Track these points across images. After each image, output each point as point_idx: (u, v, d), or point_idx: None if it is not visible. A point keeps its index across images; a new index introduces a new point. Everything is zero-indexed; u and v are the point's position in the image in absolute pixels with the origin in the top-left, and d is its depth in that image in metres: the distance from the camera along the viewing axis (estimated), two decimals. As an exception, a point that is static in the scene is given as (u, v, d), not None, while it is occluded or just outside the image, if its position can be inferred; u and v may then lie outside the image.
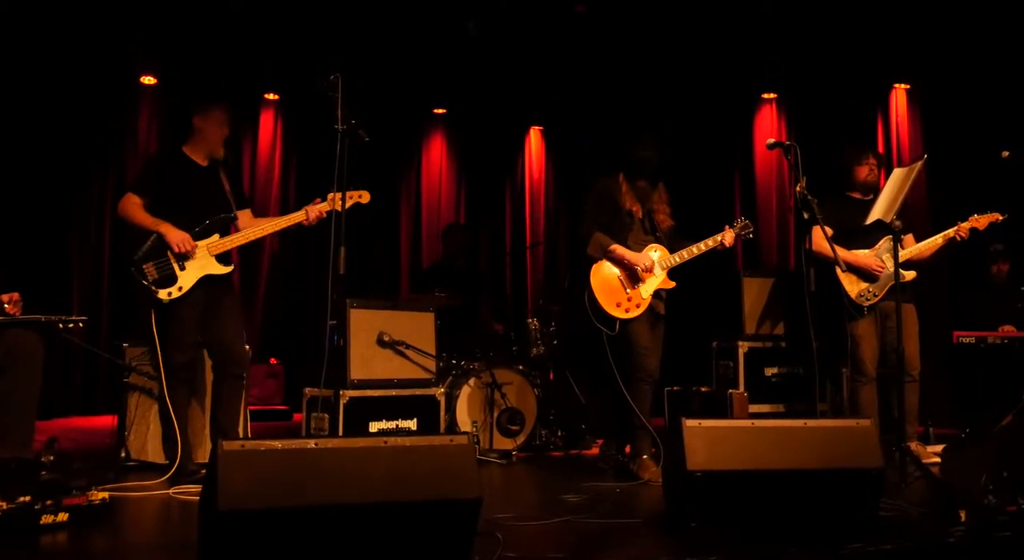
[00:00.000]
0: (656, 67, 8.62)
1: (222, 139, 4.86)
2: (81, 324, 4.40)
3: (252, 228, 4.88)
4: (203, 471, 4.53)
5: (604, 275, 5.05)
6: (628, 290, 5.03)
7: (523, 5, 7.71)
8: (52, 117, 8.09)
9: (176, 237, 4.58)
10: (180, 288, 4.59)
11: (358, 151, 4.24)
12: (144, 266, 4.56)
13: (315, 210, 4.83)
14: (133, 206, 4.69)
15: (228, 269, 4.77)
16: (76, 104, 8.23)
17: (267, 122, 9.39)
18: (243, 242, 4.84)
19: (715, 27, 7.96)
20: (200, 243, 4.66)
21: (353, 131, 4.18)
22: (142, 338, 4.95)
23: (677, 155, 5.68)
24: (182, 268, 4.61)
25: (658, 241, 5.18)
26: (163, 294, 4.56)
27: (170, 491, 4.33)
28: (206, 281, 4.67)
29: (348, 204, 4.53)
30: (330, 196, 4.78)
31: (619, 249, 5.04)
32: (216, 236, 4.73)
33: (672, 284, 5.14)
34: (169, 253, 4.59)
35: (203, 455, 4.94)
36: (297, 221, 4.86)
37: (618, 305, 5.01)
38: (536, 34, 8.23)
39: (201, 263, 4.66)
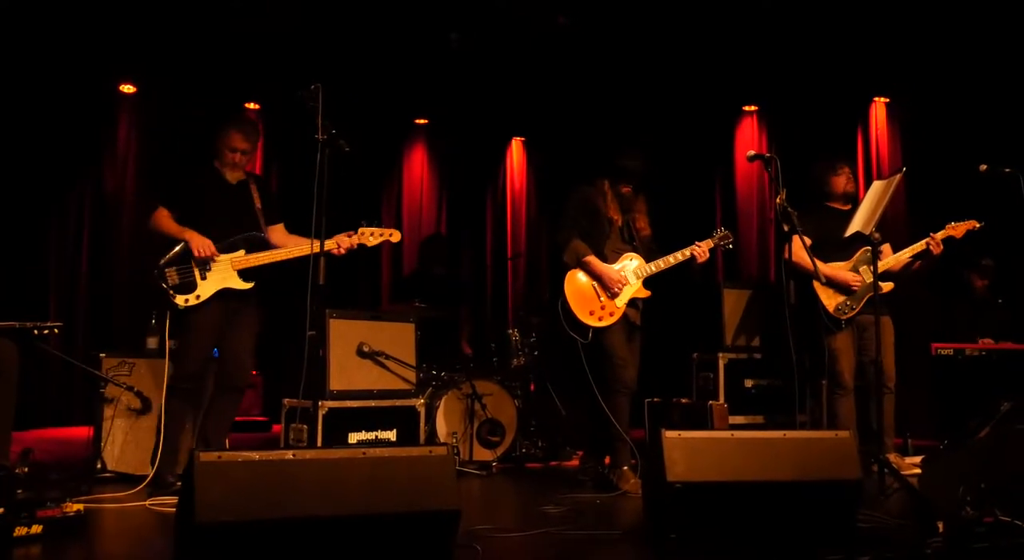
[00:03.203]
0: (638, 78, 8.65)
1: (231, 163, 4.85)
2: (56, 330, 4.36)
3: (279, 250, 4.83)
4: (170, 478, 4.51)
5: (578, 283, 5.04)
6: (602, 298, 5.02)
7: (505, 16, 7.72)
8: (29, 123, 8.04)
9: (198, 242, 4.60)
10: (198, 296, 4.61)
11: (339, 161, 4.22)
12: (167, 271, 4.60)
13: (347, 243, 4.79)
14: (163, 218, 4.73)
15: (248, 285, 4.75)
16: (54, 111, 8.18)
17: (248, 131, 9.34)
18: (267, 261, 4.79)
19: (697, 39, 7.99)
20: (223, 256, 4.68)
21: (334, 141, 4.17)
22: (118, 349, 4.92)
23: (659, 166, 5.69)
24: (203, 278, 4.64)
25: (635, 250, 5.18)
26: (180, 300, 4.58)
27: (146, 503, 4.29)
28: (226, 295, 4.69)
29: (378, 241, 4.80)
30: (361, 230, 4.81)
31: (594, 262, 5.03)
32: (242, 252, 4.74)
33: (647, 293, 5.14)
34: (192, 262, 4.61)
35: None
36: (326, 250, 4.83)
37: (591, 313, 5.00)
38: (518, 45, 8.24)
39: (223, 276, 4.68)
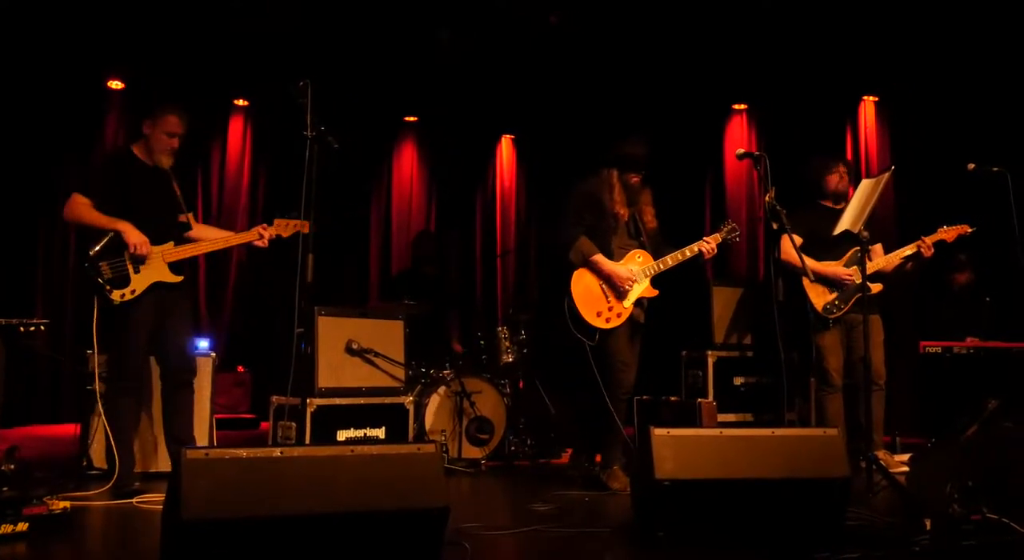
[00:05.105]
0: (628, 77, 8.65)
1: (168, 149, 4.68)
2: (43, 327, 4.32)
3: (207, 241, 4.80)
4: (137, 484, 4.45)
5: (586, 283, 4.90)
6: (610, 299, 4.90)
7: (496, 14, 7.71)
8: (16, 120, 7.99)
9: (135, 238, 4.45)
10: (133, 291, 4.47)
11: (328, 158, 4.20)
12: (100, 264, 4.42)
13: (268, 233, 4.77)
14: (82, 206, 4.54)
15: (179, 279, 4.63)
16: (41, 107, 8.14)
17: (236, 128, 9.33)
18: (196, 253, 4.73)
19: (687, 38, 7.99)
20: (155, 249, 4.54)
21: (323, 138, 4.15)
22: (105, 345, 4.89)
23: (649, 164, 5.68)
24: (136, 271, 4.49)
25: (642, 246, 5.05)
26: (116, 295, 4.43)
27: (133, 500, 4.26)
28: (158, 288, 4.56)
29: (291, 232, 4.70)
30: (276, 221, 4.78)
31: (602, 261, 4.89)
32: (171, 243, 4.62)
33: (655, 292, 5.01)
34: (125, 253, 4.46)
35: (157, 464, 4.97)
36: (249, 240, 4.82)
37: (599, 314, 4.88)
38: (508, 43, 8.23)
39: (155, 269, 4.54)
